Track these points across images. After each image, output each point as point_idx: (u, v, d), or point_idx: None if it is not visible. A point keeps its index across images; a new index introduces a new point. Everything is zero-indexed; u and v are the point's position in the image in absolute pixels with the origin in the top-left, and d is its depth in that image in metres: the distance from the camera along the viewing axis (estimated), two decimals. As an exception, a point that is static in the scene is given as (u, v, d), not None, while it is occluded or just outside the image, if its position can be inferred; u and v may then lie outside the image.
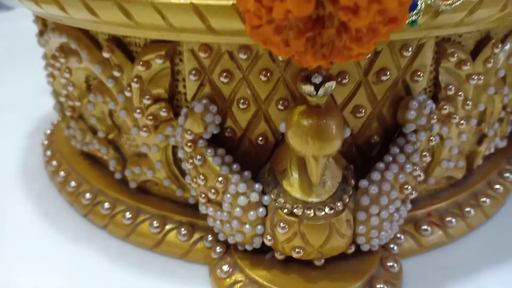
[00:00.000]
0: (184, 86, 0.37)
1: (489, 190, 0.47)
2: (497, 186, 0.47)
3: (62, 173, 0.50)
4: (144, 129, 0.39)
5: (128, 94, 0.39)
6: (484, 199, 0.45)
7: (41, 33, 0.48)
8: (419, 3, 0.28)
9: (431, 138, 0.37)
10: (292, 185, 0.34)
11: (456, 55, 0.36)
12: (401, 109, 0.36)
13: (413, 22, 0.28)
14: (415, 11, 0.28)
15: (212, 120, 0.35)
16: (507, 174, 0.49)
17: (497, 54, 0.39)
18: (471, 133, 0.43)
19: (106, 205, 0.45)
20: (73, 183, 0.48)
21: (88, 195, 0.46)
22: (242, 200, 0.35)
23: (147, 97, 0.37)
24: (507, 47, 0.40)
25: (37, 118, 0.68)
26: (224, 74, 0.35)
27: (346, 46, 0.23)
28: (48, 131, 0.59)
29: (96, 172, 0.49)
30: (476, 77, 0.38)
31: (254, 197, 0.34)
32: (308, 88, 0.30)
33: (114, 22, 0.33)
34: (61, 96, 0.48)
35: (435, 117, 0.36)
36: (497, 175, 0.49)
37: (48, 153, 0.54)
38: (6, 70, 0.87)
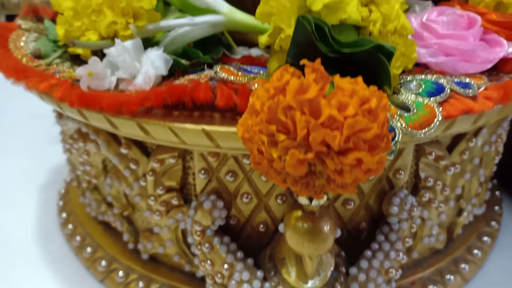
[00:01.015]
0: (194, 178, 0.42)
1: (469, 255, 0.52)
2: (476, 251, 0.52)
3: (78, 238, 0.55)
4: (157, 213, 0.44)
5: (143, 183, 0.43)
6: (463, 265, 0.50)
7: (59, 115, 0.52)
8: (396, 133, 0.33)
9: (413, 225, 0.42)
10: (290, 274, 0.38)
11: (433, 153, 0.41)
12: (385, 202, 0.41)
13: (392, 152, 0.32)
14: (393, 142, 0.32)
15: (219, 215, 0.40)
16: (485, 238, 0.54)
17: (472, 146, 0.44)
18: (450, 210, 0.48)
19: (121, 273, 0.49)
20: (89, 249, 0.53)
21: (103, 262, 0.51)
22: (245, 287, 0.39)
23: (160, 187, 0.42)
24: (480, 139, 0.45)
25: (51, 168, 0.72)
26: (230, 173, 0.39)
27: (333, 189, 0.28)
28: (62, 190, 0.63)
29: (110, 238, 0.53)
30: (452, 168, 0.43)
31: (257, 284, 0.39)
32: (303, 200, 0.35)
33: (134, 135, 0.37)
34: (78, 170, 0.53)
35: (415, 209, 0.41)
36: (476, 239, 0.54)
37: (64, 215, 0.59)
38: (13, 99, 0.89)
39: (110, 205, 0.51)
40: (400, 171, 0.40)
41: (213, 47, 0.45)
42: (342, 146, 0.25)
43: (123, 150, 0.42)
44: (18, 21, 0.58)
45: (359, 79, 0.27)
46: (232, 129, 0.34)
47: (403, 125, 0.33)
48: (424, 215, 0.44)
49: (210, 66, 0.40)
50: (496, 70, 0.40)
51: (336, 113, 0.25)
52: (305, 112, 0.25)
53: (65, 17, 0.41)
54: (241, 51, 0.47)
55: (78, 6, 0.40)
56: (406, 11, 0.49)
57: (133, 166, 0.43)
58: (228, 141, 0.34)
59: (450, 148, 0.43)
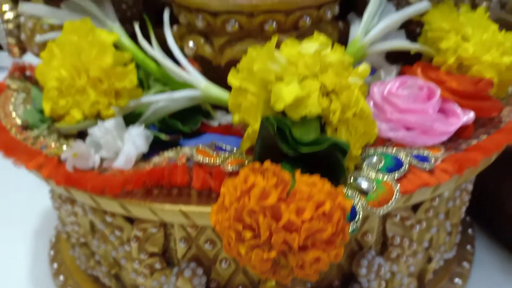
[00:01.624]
0: (175, 244, 0.44)
1: (440, 299, 0.55)
2: (447, 295, 0.55)
3: (69, 290, 0.57)
4: (142, 275, 0.46)
5: (127, 248, 0.46)
6: (435, 309, 0.53)
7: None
8: (357, 211, 0.35)
9: (381, 283, 0.45)
10: (267, 335, 0.41)
11: (399, 215, 0.44)
12: (354, 264, 0.44)
13: (354, 230, 0.35)
14: (354, 220, 0.35)
15: (199, 282, 0.42)
16: (456, 280, 0.57)
17: (436, 205, 0.47)
18: (419, 261, 0.51)
19: (110, 327, 0.52)
20: (80, 302, 0.55)
21: (94, 316, 0.53)
22: None
23: (143, 253, 0.45)
24: (445, 195, 0.48)
25: (42, 213, 0.74)
26: (208, 242, 0.42)
27: (298, 276, 0.31)
28: (53, 239, 0.65)
29: (100, 291, 0.56)
30: (418, 226, 0.46)
31: None
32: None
33: (116, 212, 0.40)
34: (67, 227, 0.55)
35: (383, 269, 0.44)
36: (448, 281, 0.57)
37: (55, 265, 0.61)
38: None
39: (98, 262, 0.53)
40: (367, 234, 0.43)
41: (192, 115, 0.48)
42: (301, 245, 0.28)
43: (108, 218, 0.45)
44: (7, 81, 0.60)
45: (316, 178, 0.30)
46: (207, 209, 0.36)
47: (364, 204, 0.36)
48: (394, 269, 0.47)
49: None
50: (455, 136, 0.43)
51: (295, 217, 0.28)
52: (267, 215, 0.28)
53: (50, 95, 0.44)
54: (219, 117, 0.49)
55: (62, 86, 0.43)
56: (372, 74, 0.52)
57: (117, 233, 0.45)
58: (204, 219, 0.37)
59: (415, 207, 0.46)
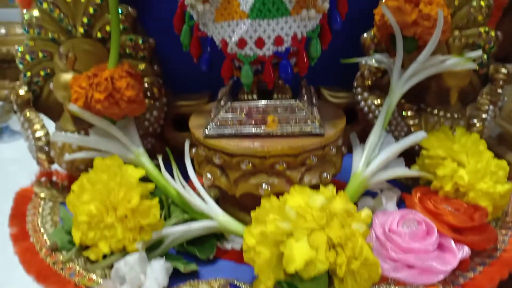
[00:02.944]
0: None
1: None
2: None
3: None
4: None
5: None
6: None
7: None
8: None
9: None
10: None
11: None
12: None
13: None
14: None
15: None
16: None
17: None
18: None
19: None
20: None
21: None
22: None
23: None
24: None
25: None
26: None
27: None
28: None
29: None
30: None
31: None
32: None
33: None
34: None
35: None
36: None
37: None
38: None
39: None
40: None
41: (207, 239, 0.51)
42: None
43: None
44: (34, 188, 0.65)
45: None
46: None
47: None
48: None
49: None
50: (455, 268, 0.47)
51: None
52: None
53: (80, 227, 0.48)
54: (233, 238, 0.53)
55: (92, 221, 0.47)
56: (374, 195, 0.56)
57: None
58: None
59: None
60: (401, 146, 0.53)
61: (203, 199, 0.50)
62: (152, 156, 0.70)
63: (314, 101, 0.53)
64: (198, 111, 0.57)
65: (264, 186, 0.48)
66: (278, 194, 0.44)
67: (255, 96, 0.52)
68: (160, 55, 0.66)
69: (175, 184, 0.50)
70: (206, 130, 0.50)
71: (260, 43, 0.48)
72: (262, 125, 0.49)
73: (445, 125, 0.59)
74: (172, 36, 0.54)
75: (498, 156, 0.68)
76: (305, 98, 0.52)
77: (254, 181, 0.49)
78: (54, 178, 0.67)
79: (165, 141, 0.70)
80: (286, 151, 0.47)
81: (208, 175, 0.51)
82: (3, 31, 1.50)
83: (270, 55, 0.49)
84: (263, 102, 0.50)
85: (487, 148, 0.57)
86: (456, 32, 0.58)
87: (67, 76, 0.57)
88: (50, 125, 0.64)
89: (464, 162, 0.53)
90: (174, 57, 0.63)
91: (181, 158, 0.53)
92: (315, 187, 0.46)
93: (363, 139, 0.70)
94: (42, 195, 0.64)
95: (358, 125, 0.68)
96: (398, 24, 0.53)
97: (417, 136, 0.54)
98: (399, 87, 0.55)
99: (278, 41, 0.48)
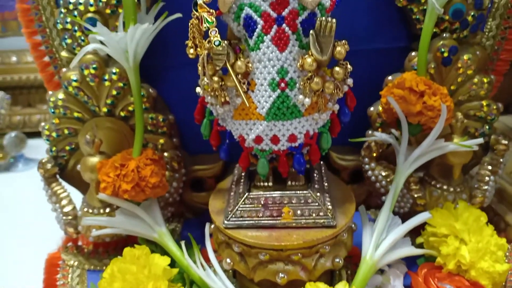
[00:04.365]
0: None
1: None
2: None
3: None
4: None
5: None
6: None
7: None
8: None
9: None
10: None
11: None
12: None
13: None
14: None
15: None
16: None
17: None
18: None
19: None
20: None
21: None
22: None
23: None
24: None
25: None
26: None
27: None
28: None
29: None
30: None
31: None
32: None
33: None
34: None
35: None
36: None
37: None
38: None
39: None
40: None
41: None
42: None
43: None
44: (62, 255, 0.69)
45: None
46: None
47: None
48: None
49: None
50: None
51: None
52: None
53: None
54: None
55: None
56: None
57: None
58: None
59: None
60: (408, 226, 0.57)
61: (224, 284, 0.54)
62: (172, 220, 0.74)
63: (325, 185, 0.57)
64: (216, 190, 0.61)
65: (281, 274, 0.52)
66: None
67: (270, 183, 0.56)
68: (176, 117, 0.70)
69: (198, 271, 0.54)
70: (226, 221, 0.54)
71: (275, 140, 0.52)
72: (278, 217, 0.53)
73: (448, 199, 0.63)
74: (188, 102, 0.58)
75: (498, 216, 0.73)
76: (316, 185, 0.56)
77: (271, 269, 0.53)
78: (79, 243, 0.72)
79: (182, 201, 0.74)
80: (301, 245, 0.51)
81: (228, 260, 0.55)
82: (14, 59, 1.52)
83: (284, 149, 0.53)
84: (278, 193, 0.54)
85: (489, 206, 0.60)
86: (459, 115, 0.62)
87: (94, 160, 0.61)
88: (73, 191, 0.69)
89: (466, 240, 0.57)
90: (190, 120, 0.66)
91: (197, 217, 0.57)
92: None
93: (368, 199, 0.74)
94: (70, 262, 0.68)
95: (365, 185, 0.72)
96: (403, 112, 0.57)
97: (423, 217, 0.58)
98: (405, 169, 0.59)
99: (292, 138, 0.52)
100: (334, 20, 0.47)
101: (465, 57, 0.63)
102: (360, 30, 0.65)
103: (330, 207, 0.53)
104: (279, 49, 0.49)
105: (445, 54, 0.62)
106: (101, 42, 0.56)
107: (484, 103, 0.66)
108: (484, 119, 0.67)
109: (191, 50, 0.51)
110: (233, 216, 0.54)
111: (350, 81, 0.52)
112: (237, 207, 0.54)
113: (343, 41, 0.50)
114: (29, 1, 0.68)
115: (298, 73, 0.50)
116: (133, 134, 0.64)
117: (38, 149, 1.39)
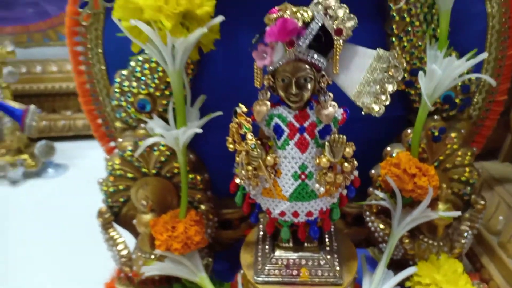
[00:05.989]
0: None
1: None
2: None
3: None
4: None
5: None
6: None
7: None
8: None
9: None
10: None
11: None
12: None
13: None
14: None
15: None
16: None
17: None
18: None
19: None
20: None
21: None
22: None
23: None
24: None
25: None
26: None
27: None
28: None
29: None
30: None
31: None
32: None
33: None
34: None
35: None
36: None
37: None
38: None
39: None
40: None
41: None
42: None
43: None
44: (116, 285, 0.85)
45: None
46: None
47: None
48: None
49: None
50: None
51: None
52: None
53: None
54: None
55: None
56: None
57: None
58: None
59: None
60: (398, 279, 0.72)
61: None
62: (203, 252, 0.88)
63: (334, 245, 0.72)
64: (245, 244, 0.75)
65: (298, 321, 0.67)
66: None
67: (291, 244, 0.70)
68: (207, 164, 0.84)
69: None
70: (256, 277, 0.68)
71: (295, 214, 0.66)
72: (297, 276, 0.68)
73: (432, 251, 0.77)
74: (218, 150, 0.70)
75: (475, 256, 0.87)
76: (328, 247, 0.70)
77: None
78: (130, 274, 0.87)
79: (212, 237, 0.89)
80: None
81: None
82: (39, 68, 1.63)
83: (302, 221, 0.67)
84: (296, 255, 0.69)
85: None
86: (444, 186, 0.75)
87: (147, 217, 0.76)
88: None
89: (444, 289, 0.72)
90: (220, 167, 0.77)
91: (225, 250, 0.70)
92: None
93: (369, 236, 0.89)
94: (124, 294, 0.84)
95: (365, 230, 0.87)
96: (398, 188, 0.71)
97: (410, 271, 0.72)
98: (399, 232, 0.73)
99: (309, 214, 0.66)
100: (344, 137, 0.60)
101: (452, 135, 0.76)
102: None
103: (338, 268, 0.68)
104: (301, 151, 0.63)
105: (436, 134, 0.76)
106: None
107: (467, 169, 0.79)
108: (467, 181, 0.80)
109: (231, 146, 0.64)
110: (262, 273, 0.68)
111: (356, 172, 0.65)
112: (265, 266, 0.68)
113: (351, 143, 0.63)
114: (85, 75, 0.81)
115: (315, 167, 0.63)
116: (175, 189, 0.79)
117: (64, 153, 1.52)
